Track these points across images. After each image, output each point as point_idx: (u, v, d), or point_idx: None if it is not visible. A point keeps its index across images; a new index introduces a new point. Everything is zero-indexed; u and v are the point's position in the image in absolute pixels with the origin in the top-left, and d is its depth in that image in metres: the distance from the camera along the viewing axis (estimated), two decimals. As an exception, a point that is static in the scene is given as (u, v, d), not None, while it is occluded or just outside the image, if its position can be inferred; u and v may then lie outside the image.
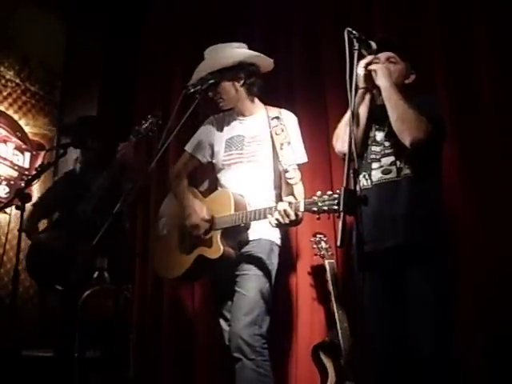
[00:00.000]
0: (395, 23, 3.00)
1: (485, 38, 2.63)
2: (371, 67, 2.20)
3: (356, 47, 1.85)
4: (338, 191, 1.93)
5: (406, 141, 2.10)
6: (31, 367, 3.02)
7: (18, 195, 2.78)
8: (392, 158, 2.21)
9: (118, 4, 4.28)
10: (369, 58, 2.21)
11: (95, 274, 2.79)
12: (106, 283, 2.83)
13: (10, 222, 3.28)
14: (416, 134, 2.07)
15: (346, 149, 2.25)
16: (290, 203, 2.18)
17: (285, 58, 3.37)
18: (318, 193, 2.07)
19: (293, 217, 2.15)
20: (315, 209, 2.06)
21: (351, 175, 1.67)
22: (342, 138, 2.27)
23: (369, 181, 2.27)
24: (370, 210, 2.22)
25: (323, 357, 2.68)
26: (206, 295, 3.23)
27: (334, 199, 1.98)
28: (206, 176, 2.76)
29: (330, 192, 2.03)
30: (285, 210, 2.16)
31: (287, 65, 3.37)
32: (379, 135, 2.27)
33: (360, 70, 2.22)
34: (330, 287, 2.72)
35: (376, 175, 2.24)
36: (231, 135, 2.61)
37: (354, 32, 1.86)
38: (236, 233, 2.42)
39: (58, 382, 2.92)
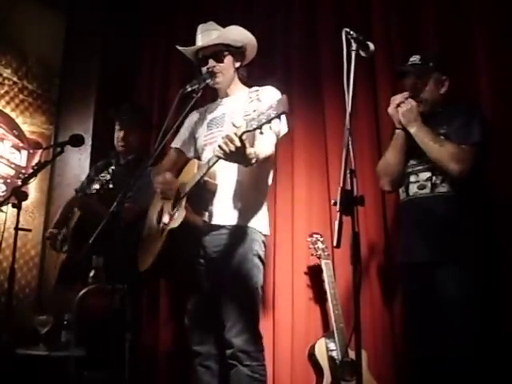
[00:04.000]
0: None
1: (486, 37, 2.64)
2: (399, 110, 2.25)
3: (354, 48, 1.83)
4: (279, 99, 1.83)
5: (454, 176, 2.15)
6: (26, 366, 3.01)
7: (15, 193, 2.77)
8: (428, 174, 2.24)
9: (117, 0, 4.28)
10: (398, 98, 2.27)
11: (91, 273, 2.77)
12: (102, 282, 2.82)
13: (6, 220, 3.27)
14: (458, 168, 2.12)
15: (387, 188, 2.40)
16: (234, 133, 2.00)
17: (283, 49, 3.41)
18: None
19: (237, 142, 1.97)
20: (255, 124, 1.89)
21: (348, 175, 1.67)
22: (382, 178, 2.39)
23: (404, 193, 2.33)
24: (405, 222, 2.34)
25: (319, 357, 2.68)
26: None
27: (271, 107, 1.84)
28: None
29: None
30: (227, 135, 2.00)
31: (285, 57, 3.39)
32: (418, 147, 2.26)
33: (392, 111, 2.28)
34: (326, 287, 2.73)
35: (412, 189, 2.28)
36: (213, 117, 2.54)
37: (351, 32, 1.85)
38: (201, 197, 2.27)
39: (52, 381, 2.91)
